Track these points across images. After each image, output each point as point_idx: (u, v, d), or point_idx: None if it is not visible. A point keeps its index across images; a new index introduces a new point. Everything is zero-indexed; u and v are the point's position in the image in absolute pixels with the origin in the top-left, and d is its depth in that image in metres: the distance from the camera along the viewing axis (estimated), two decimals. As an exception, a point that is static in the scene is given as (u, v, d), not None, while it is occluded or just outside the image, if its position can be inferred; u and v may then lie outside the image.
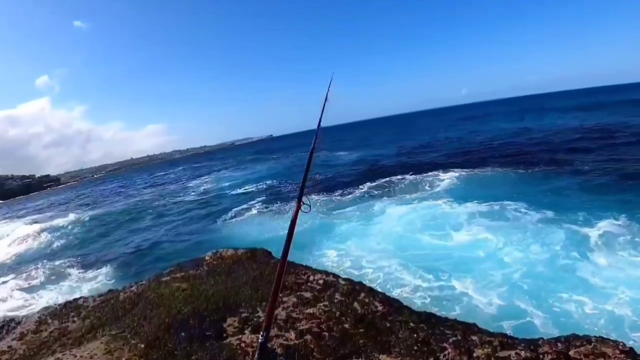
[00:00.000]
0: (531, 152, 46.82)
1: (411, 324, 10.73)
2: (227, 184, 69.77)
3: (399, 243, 23.75)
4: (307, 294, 12.76)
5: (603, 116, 72.66)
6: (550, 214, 24.50)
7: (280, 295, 12.84)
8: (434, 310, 14.00)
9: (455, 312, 15.25)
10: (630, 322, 13.89)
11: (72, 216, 59.84)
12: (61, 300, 20.30)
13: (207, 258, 17.61)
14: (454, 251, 21.60)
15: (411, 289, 18.02)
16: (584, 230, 21.42)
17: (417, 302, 16.52)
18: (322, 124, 5.62)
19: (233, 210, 42.33)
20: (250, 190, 56.13)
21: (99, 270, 29.30)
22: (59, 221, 57.20)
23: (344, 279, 13.88)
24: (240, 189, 59.34)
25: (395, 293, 16.79)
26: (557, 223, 22.99)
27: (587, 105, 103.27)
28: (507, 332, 12.30)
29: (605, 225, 21.47)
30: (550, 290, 16.42)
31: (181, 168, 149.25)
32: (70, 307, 14.71)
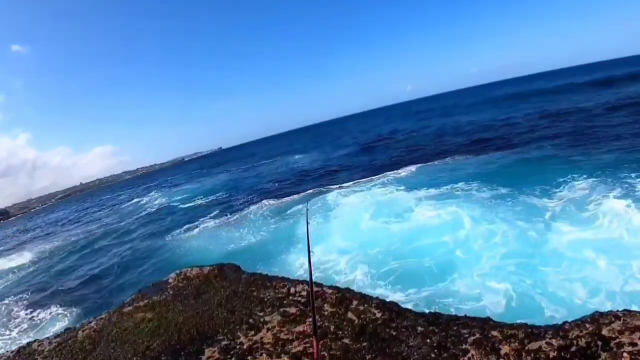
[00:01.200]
0: (486, 139, 48.24)
1: (419, 328, 9.47)
2: (178, 197, 68.02)
3: (365, 239, 22.73)
4: (292, 309, 11.27)
5: (546, 101, 74.98)
6: (513, 190, 25.01)
7: (261, 314, 11.42)
8: (432, 308, 12.94)
9: (454, 307, 14.35)
10: (610, 284, 13.91)
11: (18, 254, 56.14)
12: (13, 345, 18.50)
13: (170, 280, 15.80)
14: (424, 240, 20.91)
15: (395, 286, 16.96)
16: (545, 201, 22.31)
17: (409, 299, 15.50)
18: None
19: (186, 225, 40.65)
20: (201, 204, 54.57)
21: (52, 308, 26.51)
22: (6, 260, 53.46)
23: (330, 287, 12.41)
24: (191, 203, 57.53)
25: (382, 294, 15.36)
26: (523, 198, 23.51)
27: (528, 92, 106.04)
28: (514, 318, 11.46)
29: (564, 193, 22.65)
30: (530, 266, 16.25)
31: (131, 189, 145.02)
32: (24, 354, 12.67)
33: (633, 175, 22.74)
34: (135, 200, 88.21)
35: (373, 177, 39.97)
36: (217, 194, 58.49)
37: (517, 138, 43.08)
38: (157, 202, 71.44)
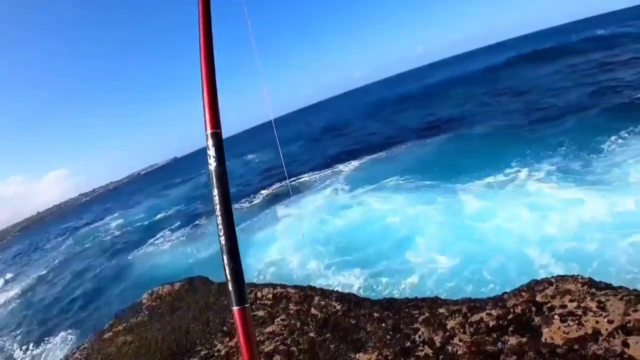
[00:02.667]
0: (431, 125, 48.71)
1: (375, 314, 10.34)
2: (136, 217, 66.51)
3: (316, 236, 23.27)
4: (261, 312, 11.99)
5: (494, 79, 74.57)
6: (449, 174, 26.38)
7: (232, 321, 12.18)
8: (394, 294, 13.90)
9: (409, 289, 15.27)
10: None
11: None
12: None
13: (144, 301, 16.32)
14: (373, 228, 22.11)
15: (352, 280, 17.51)
16: (475, 183, 23.87)
17: (364, 285, 16.45)
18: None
19: (148, 242, 40.49)
20: (160, 218, 53.91)
21: (36, 346, 26.56)
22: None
23: (293, 287, 13.20)
24: (150, 220, 56.42)
25: (342, 288, 16.13)
26: (457, 181, 24.86)
27: (473, 71, 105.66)
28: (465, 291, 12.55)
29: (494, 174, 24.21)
30: (466, 242, 17.48)
31: (89, 213, 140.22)
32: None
33: (555, 153, 24.46)
34: (94, 224, 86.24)
35: (322, 173, 40.91)
36: (175, 208, 57.33)
37: (459, 123, 43.92)
38: (115, 223, 69.88)
